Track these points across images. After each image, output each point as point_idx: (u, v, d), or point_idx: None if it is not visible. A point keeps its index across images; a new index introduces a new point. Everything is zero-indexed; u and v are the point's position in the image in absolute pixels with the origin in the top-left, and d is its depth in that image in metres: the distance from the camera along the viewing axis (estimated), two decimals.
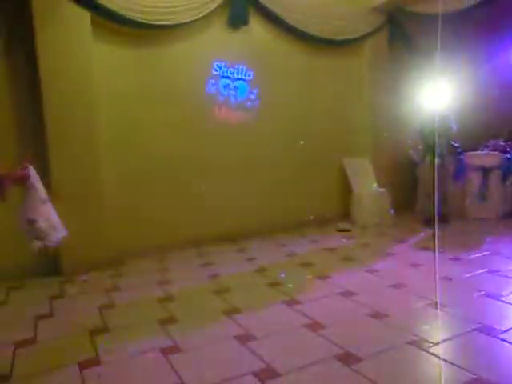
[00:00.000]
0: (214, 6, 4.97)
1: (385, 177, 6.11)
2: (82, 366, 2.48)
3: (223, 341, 2.71)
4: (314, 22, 5.59)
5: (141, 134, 4.80)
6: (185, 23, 4.79)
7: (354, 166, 6.03)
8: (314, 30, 5.61)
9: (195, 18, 4.84)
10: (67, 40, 4.18)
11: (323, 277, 3.80)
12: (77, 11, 4.19)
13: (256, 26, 5.40)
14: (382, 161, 6.17)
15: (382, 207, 5.82)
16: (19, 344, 2.82)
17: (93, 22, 4.33)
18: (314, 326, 2.81)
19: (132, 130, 4.76)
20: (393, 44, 6.30)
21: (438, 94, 5.28)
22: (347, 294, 3.35)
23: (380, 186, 5.97)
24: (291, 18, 5.46)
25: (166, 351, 2.60)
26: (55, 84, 4.13)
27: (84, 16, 4.26)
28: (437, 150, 5.41)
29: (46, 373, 2.45)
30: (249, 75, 5.40)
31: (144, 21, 4.53)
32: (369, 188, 5.91)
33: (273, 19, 5.42)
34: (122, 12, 4.37)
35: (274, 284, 3.70)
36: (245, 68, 5.37)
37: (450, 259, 4.08)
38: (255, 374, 2.28)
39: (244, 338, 2.70)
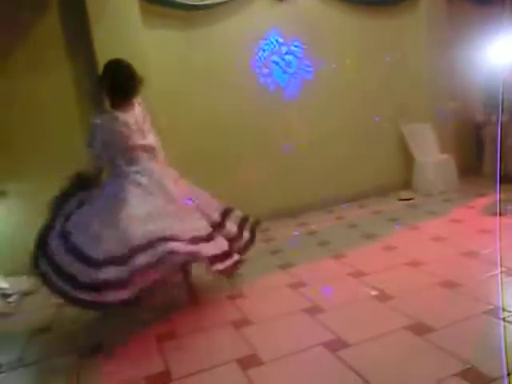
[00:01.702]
0: None
1: (448, 141, 5.79)
2: None
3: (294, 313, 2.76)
4: None
5: (193, 118, 4.86)
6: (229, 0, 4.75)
7: (415, 132, 5.75)
8: None
9: None
10: (120, 31, 4.28)
11: (387, 248, 3.72)
12: (126, 1, 4.29)
13: None
14: (445, 125, 5.83)
15: (446, 174, 5.54)
16: None
17: (141, 9, 4.41)
18: (383, 298, 2.78)
19: (184, 115, 4.83)
20: None
21: (504, 49, 4.88)
22: (415, 264, 3.27)
23: (444, 151, 5.67)
24: None
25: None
26: None
27: (133, 5, 4.35)
28: (504, 108, 5.04)
29: None
30: (299, 47, 5.27)
31: (189, 2, 4.56)
32: (431, 154, 5.64)
33: None
34: None
35: (337, 256, 3.68)
36: (294, 40, 5.24)
37: None
38: (326, 345, 2.31)
39: (312, 311, 2.73)
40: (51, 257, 2.65)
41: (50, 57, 4.27)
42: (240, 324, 2.71)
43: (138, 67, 4.27)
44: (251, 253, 4.00)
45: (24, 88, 4.13)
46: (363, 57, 5.55)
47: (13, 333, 3.15)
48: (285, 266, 3.64)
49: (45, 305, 3.49)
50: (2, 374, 2.57)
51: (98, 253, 2.57)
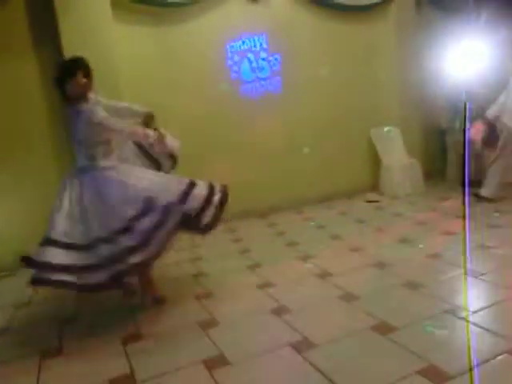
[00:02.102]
0: None
1: (415, 146, 5.96)
2: None
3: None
4: None
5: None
6: None
7: (382, 136, 5.89)
8: None
9: None
10: (89, 22, 4.18)
11: (354, 249, 3.79)
12: None
13: None
14: (411, 130, 6.00)
15: (412, 177, 5.70)
16: None
17: (112, 1, 4.32)
18: (348, 298, 2.83)
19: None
20: (421, 4, 6.03)
21: (469, 57, 5.07)
22: (380, 265, 3.34)
23: (410, 155, 5.83)
24: None
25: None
26: None
27: None
28: (467, 115, 5.22)
29: None
30: (269, 50, 5.29)
31: None
32: (398, 158, 5.79)
33: None
34: None
35: (305, 257, 3.72)
36: (265, 42, 5.25)
37: (485, 226, 3.98)
38: (293, 346, 2.32)
39: (279, 311, 2.75)
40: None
41: (14, 44, 4.13)
42: (207, 325, 2.69)
43: (106, 60, 4.24)
44: (219, 251, 4.00)
45: None
46: (335, 60, 5.64)
47: None
48: (253, 267, 3.64)
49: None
50: None
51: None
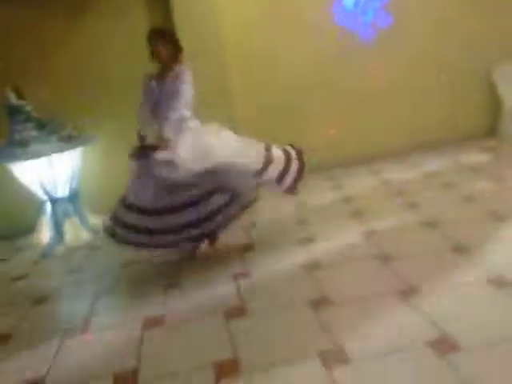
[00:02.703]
0: None
1: None
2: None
3: None
4: None
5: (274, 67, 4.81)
6: None
7: (508, 74, 5.20)
8: None
9: None
10: None
11: (467, 198, 3.55)
12: None
13: None
14: None
15: None
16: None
17: None
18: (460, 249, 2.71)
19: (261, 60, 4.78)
20: None
21: None
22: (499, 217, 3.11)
23: None
24: None
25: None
26: (185, 14, 4.31)
27: None
28: None
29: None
30: None
31: None
32: None
33: None
34: None
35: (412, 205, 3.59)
36: None
37: None
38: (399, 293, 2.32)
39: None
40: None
41: (128, 2, 4.36)
42: (312, 267, 2.79)
43: (212, 17, 4.30)
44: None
45: (103, 31, 4.28)
46: None
47: (104, 264, 3.52)
48: (356, 214, 3.63)
49: None
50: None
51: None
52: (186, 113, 2.89)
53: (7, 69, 4.11)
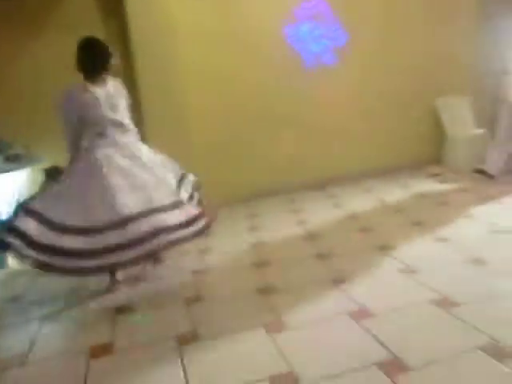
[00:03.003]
0: None
1: (485, 117, 5.58)
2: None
3: None
4: None
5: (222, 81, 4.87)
6: None
7: (449, 106, 5.56)
8: None
9: None
10: None
11: (416, 223, 3.70)
12: None
13: None
14: (483, 99, 5.60)
15: (479, 150, 5.37)
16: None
17: None
18: (409, 271, 2.80)
19: (215, 76, 4.84)
20: None
21: None
22: (442, 240, 3.25)
23: (479, 126, 5.48)
24: None
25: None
26: (144, 37, 4.33)
27: None
28: None
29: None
30: (328, 19, 5.12)
31: None
32: (465, 130, 5.47)
33: None
34: None
35: (365, 229, 3.69)
36: (325, 10, 5.09)
37: None
38: (351, 314, 2.35)
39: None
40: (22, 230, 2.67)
41: (84, 18, 4.33)
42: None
43: (167, 31, 4.33)
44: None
45: (57, 48, 4.17)
46: (393, 23, 5.31)
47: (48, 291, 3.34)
48: (309, 237, 3.68)
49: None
50: None
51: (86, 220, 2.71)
52: None
53: None
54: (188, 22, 4.60)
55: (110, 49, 2.96)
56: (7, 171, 3.68)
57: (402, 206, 4.23)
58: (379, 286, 2.68)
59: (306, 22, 5.06)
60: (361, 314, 2.33)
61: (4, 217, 3.80)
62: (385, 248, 3.23)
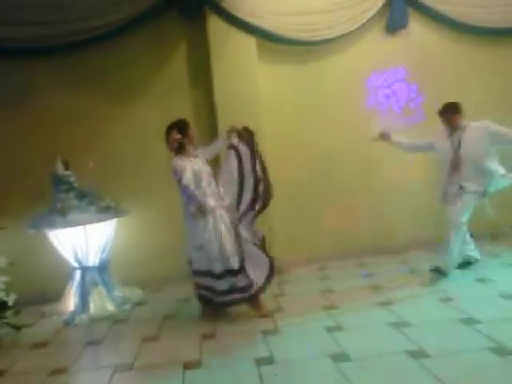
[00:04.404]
0: (371, 14, 4.92)
1: None
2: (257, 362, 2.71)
3: None
4: (483, 11, 5.08)
5: (301, 150, 5.01)
6: (343, 35, 4.88)
7: None
8: (482, 20, 5.09)
9: (351, 28, 4.89)
10: (237, 66, 4.66)
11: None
12: (245, 38, 4.66)
13: (415, 28, 5.15)
14: None
15: None
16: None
17: (257, 45, 4.76)
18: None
19: (292, 145, 5.00)
20: None
21: None
22: None
23: None
24: (454, 12, 5.05)
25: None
26: (226, 103, 4.64)
27: (250, 41, 4.71)
28: None
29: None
30: (409, 81, 5.17)
31: (303, 38, 4.79)
32: None
33: (434, 16, 5.10)
34: (283, 33, 4.72)
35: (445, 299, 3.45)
36: (404, 74, 5.17)
37: None
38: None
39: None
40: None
41: (177, 87, 4.78)
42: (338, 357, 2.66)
43: (251, 96, 4.62)
44: None
45: (157, 113, 4.59)
46: (472, 87, 5.18)
47: (126, 338, 3.46)
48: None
49: (153, 315, 3.79)
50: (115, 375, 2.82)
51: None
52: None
53: (58, 143, 4.43)
54: (268, 92, 4.88)
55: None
56: (98, 221, 3.99)
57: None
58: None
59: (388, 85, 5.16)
60: None
61: (92, 263, 4.11)
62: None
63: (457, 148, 3.92)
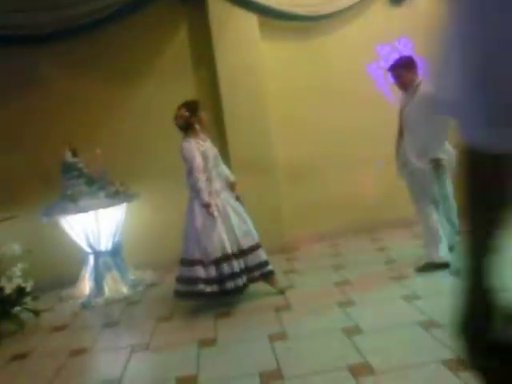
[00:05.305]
0: None
1: None
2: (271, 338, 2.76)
3: None
4: None
5: (308, 126, 4.96)
6: (345, 8, 4.78)
7: None
8: None
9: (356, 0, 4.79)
10: (239, 44, 4.61)
11: None
12: (246, 16, 4.59)
13: None
14: None
15: None
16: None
17: (259, 22, 4.68)
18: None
19: (299, 121, 4.96)
20: None
21: None
22: None
23: None
24: None
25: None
26: (230, 82, 4.61)
27: (252, 19, 4.63)
28: None
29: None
30: (414, 52, 5.07)
31: (306, 13, 4.70)
32: None
33: None
34: (285, 8, 4.64)
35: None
36: (409, 45, 5.06)
37: None
38: None
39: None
40: None
41: (178, 67, 4.74)
42: (351, 331, 2.71)
43: (257, 77, 4.58)
44: None
45: (160, 95, 4.58)
46: None
47: (141, 319, 3.54)
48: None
49: (166, 296, 3.86)
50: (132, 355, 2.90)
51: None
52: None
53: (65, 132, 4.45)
54: (272, 69, 4.82)
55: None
56: (108, 206, 4.04)
57: None
58: None
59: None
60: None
61: (104, 248, 4.17)
62: None
63: (401, 111, 3.41)
